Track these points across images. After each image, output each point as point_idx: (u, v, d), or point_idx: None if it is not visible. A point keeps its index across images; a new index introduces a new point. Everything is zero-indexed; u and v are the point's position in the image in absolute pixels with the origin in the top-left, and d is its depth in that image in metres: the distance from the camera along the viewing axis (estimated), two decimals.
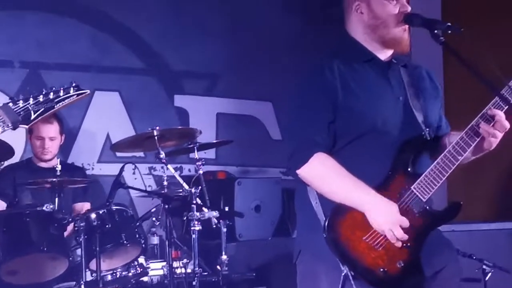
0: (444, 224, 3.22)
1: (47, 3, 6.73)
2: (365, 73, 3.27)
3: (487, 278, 4.63)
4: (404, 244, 3.11)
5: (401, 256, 3.11)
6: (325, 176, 3.16)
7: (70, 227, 5.24)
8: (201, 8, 7.32)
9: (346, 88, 3.20)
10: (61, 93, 2.82)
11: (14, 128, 2.73)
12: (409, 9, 3.24)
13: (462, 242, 4.91)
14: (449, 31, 3.11)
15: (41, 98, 2.77)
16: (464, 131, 3.17)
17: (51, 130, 5.95)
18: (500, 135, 3.16)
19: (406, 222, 3.08)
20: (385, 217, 3.08)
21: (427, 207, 3.16)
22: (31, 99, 2.77)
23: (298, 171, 3.18)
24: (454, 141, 3.17)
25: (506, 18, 6.68)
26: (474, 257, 4.69)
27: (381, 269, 3.09)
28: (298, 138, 3.21)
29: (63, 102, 2.82)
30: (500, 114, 3.14)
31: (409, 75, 3.34)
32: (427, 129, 3.26)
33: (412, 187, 3.14)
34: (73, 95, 2.84)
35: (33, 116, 2.76)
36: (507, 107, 3.14)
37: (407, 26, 3.26)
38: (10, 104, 2.74)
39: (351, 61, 3.28)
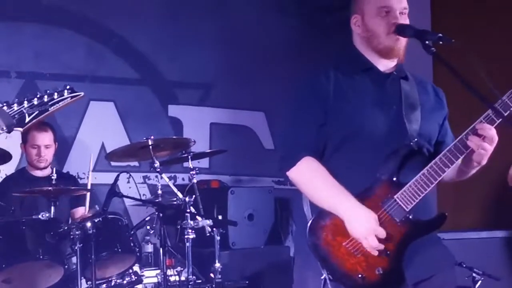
0: (428, 233, 3.23)
1: (44, 15, 6.75)
2: (361, 81, 3.32)
3: (477, 286, 4.64)
4: (384, 252, 3.13)
5: (380, 264, 3.14)
6: (310, 180, 3.23)
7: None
8: (195, 19, 7.35)
9: (338, 92, 3.25)
10: (56, 96, 2.81)
11: (9, 131, 2.73)
12: (400, 20, 3.28)
13: (452, 250, 4.93)
14: (440, 42, 3.14)
15: (35, 101, 2.77)
16: (453, 143, 3.19)
17: (46, 138, 5.98)
18: (489, 148, 3.17)
19: (382, 232, 3.10)
20: (361, 226, 3.11)
21: (410, 217, 3.16)
22: (26, 102, 2.76)
23: (287, 173, 3.27)
24: (442, 153, 3.19)
25: (496, 28, 6.74)
26: (464, 265, 4.70)
27: (360, 275, 3.12)
28: (289, 140, 3.30)
29: (58, 105, 2.81)
30: (490, 128, 3.15)
31: (409, 87, 3.37)
32: (416, 140, 3.26)
33: (395, 196, 3.16)
34: (67, 97, 2.83)
35: (27, 119, 2.76)
36: (499, 120, 3.15)
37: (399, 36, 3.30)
38: (5, 108, 2.74)
39: (350, 70, 3.34)
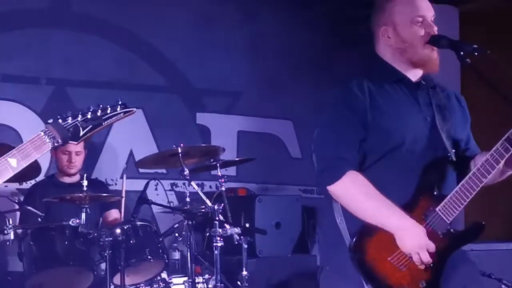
0: (466, 244, 3.25)
1: (74, 22, 6.80)
2: (394, 92, 3.31)
3: None
4: (428, 265, 3.15)
5: (424, 276, 3.15)
6: (356, 194, 3.19)
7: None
8: (224, 28, 7.38)
9: (375, 106, 3.23)
10: (109, 111, 2.84)
11: (63, 144, 2.76)
12: (435, 29, 3.28)
13: (481, 261, 4.90)
14: (475, 53, 3.15)
15: (89, 115, 2.79)
16: (489, 153, 3.19)
17: (77, 145, 5.99)
18: None
19: (432, 247, 3.12)
20: (413, 241, 3.11)
21: (451, 229, 3.18)
22: (80, 116, 2.79)
23: (329, 187, 3.21)
24: (480, 163, 3.19)
25: None
26: (493, 277, 4.68)
27: None
28: (329, 155, 3.23)
29: (111, 120, 2.84)
30: None
31: (437, 97, 3.37)
32: (453, 150, 3.28)
33: (437, 209, 3.17)
34: (120, 112, 2.86)
35: (81, 133, 2.79)
36: None
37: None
38: (60, 121, 2.76)
39: (381, 81, 3.31)
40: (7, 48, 6.49)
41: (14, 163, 2.57)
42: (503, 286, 4.69)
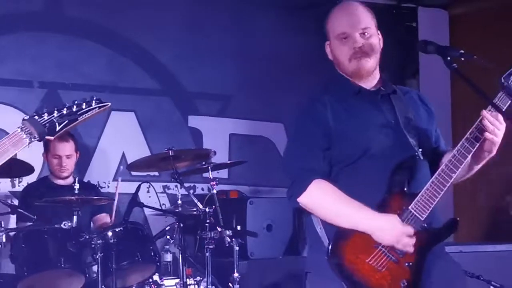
0: (442, 241, 3.28)
1: (67, 26, 6.79)
2: (355, 103, 3.35)
3: None
4: (406, 263, 3.16)
5: (404, 276, 3.16)
6: (325, 201, 3.21)
7: None
8: (215, 32, 7.37)
9: (337, 118, 3.28)
10: (84, 106, 2.87)
11: (40, 140, 2.78)
12: (360, 44, 3.32)
13: (469, 263, 4.93)
14: (462, 58, 3.19)
15: (64, 111, 2.83)
16: (455, 149, 3.23)
17: (66, 148, 6.01)
18: (500, 134, 3.22)
19: (410, 230, 3.14)
20: (391, 234, 3.14)
21: (426, 226, 3.20)
22: (56, 112, 2.82)
23: (298, 199, 3.22)
24: (447, 159, 3.23)
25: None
26: (482, 278, 4.69)
27: None
28: (295, 167, 3.27)
29: (86, 115, 2.87)
30: (497, 114, 3.20)
31: (399, 100, 3.42)
32: (420, 150, 3.32)
33: (410, 208, 3.18)
34: (95, 107, 2.89)
35: (58, 128, 2.82)
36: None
37: (359, 58, 3.33)
38: (36, 117, 2.79)
39: (341, 94, 3.37)
40: (1, 51, 6.49)
41: None
42: (491, 287, 4.69)
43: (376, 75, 3.44)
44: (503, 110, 3.20)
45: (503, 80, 3.26)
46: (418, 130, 3.38)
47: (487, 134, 3.20)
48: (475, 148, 3.22)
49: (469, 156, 3.23)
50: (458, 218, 3.27)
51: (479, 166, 3.39)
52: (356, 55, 3.32)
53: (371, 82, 3.42)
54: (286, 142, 3.48)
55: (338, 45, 3.37)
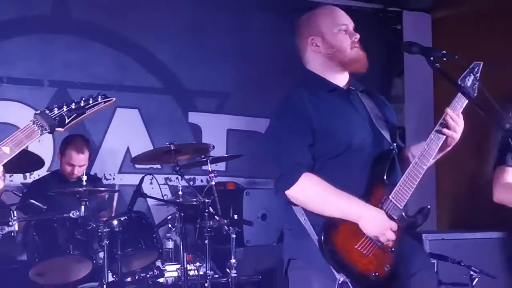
0: (417, 227, 3.31)
1: (75, 28, 6.77)
2: (331, 100, 3.36)
3: (474, 283, 4.63)
4: (390, 249, 3.20)
5: (388, 261, 3.20)
6: (314, 193, 3.21)
7: None
8: (214, 34, 7.36)
9: (318, 114, 3.27)
10: (91, 101, 2.91)
11: (51, 132, 2.81)
12: (357, 36, 3.39)
13: (451, 250, 4.94)
14: (444, 58, 3.21)
15: (73, 106, 2.86)
16: (426, 142, 3.28)
17: (81, 159, 6.03)
18: (460, 130, 3.29)
19: (394, 225, 3.18)
20: (377, 225, 3.16)
21: (403, 214, 3.23)
22: (65, 106, 2.86)
23: (287, 192, 3.20)
24: (421, 149, 3.27)
25: (493, 45, 6.75)
26: (463, 264, 4.69)
27: (373, 274, 3.17)
28: (283, 161, 3.24)
29: (93, 109, 2.90)
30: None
31: (368, 99, 3.45)
32: (395, 144, 3.37)
33: (390, 197, 3.21)
34: (101, 102, 2.92)
35: (67, 121, 2.84)
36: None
37: (360, 47, 3.39)
38: (47, 111, 2.82)
39: (317, 91, 3.36)
40: (13, 53, 6.48)
41: (7, 150, 2.65)
42: (471, 272, 4.68)
43: (347, 74, 3.46)
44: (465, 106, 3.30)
45: (459, 82, 3.32)
46: (388, 126, 3.42)
47: (446, 131, 3.27)
48: (441, 141, 3.28)
49: (437, 149, 3.29)
50: (429, 207, 3.30)
51: (439, 156, 3.42)
52: (356, 45, 3.37)
53: (344, 80, 3.44)
54: (269, 135, 3.39)
55: (339, 36, 3.38)
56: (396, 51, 7.81)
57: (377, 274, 3.15)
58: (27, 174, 6.35)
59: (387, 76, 7.83)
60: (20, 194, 5.58)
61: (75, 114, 2.83)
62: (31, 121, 2.77)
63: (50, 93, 6.61)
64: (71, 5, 6.79)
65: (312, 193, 3.20)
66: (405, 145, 3.59)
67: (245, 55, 7.55)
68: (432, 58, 3.21)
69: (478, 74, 3.38)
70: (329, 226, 3.17)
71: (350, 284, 3.09)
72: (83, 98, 2.90)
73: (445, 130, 3.27)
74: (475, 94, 3.35)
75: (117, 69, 6.95)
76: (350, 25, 3.43)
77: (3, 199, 5.33)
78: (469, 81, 3.34)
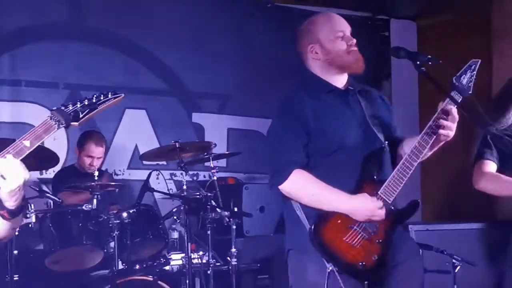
0: (406, 220, 3.34)
1: (87, 35, 6.82)
2: (329, 101, 3.36)
3: (456, 270, 4.66)
4: (377, 241, 3.21)
5: (375, 251, 3.21)
6: (305, 188, 3.23)
7: None
8: (216, 38, 7.39)
9: (314, 115, 3.28)
10: (102, 97, 2.93)
11: (67, 126, 2.84)
12: (354, 41, 3.38)
13: (435, 240, 4.96)
14: (429, 63, 3.23)
15: (86, 102, 2.88)
16: (417, 141, 3.26)
17: (100, 152, 6.09)
18: (454, 125, 3.26)
19: (380, 203, 3.18)
20: (363, 210, 3.18)
21: (392, 208, 3.24)
22: (78, 103, 2.88)
23: (280, 187, 3.25)
24: (411, 147, 3.25)
25: (472, 48, 6.81)
26: (445, 252, 4.71)
27: (360, 263, 3.18)
28: (278, 158, 3.28)
29: (104, 104, 2.91)
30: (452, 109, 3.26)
31: (365, 98, 3.43)
32: (386, 142, 3.36)
33: (379, 192, 3.21)
34: (111, 98, 2.94)
35: (81, 115, 2.87)
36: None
37: (357, 50, 3.38)
38: (62, 108, 2.86)
39: (316, 92, 3.37)
40: (30, 57, 6.52)
41: (27, 143, 2.68)
42: (453, 260, 4.71)
43: (346, 75, 3.46)
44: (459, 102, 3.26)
45: (454, 81, 3.31)
46: (382, 124, 3.40)
47: (441, 131, 3.25)
48: (432, 140, 3.27)
49: (428, 147, 3.28)
50: (419, 200, 3.31)
51: (430, 153, 3.42)
52: (352, 48, 3.36)
53: (343, 81, 3.44)
54: (269, 134, 3.42)
55: (336, 42, 3.38)
56: (384, 56, 7.86)
57: (364, 263, 3.17)
58: (43, 171, 6.39)
59: (375, 79, 7.85)
60: (37, 189, 5.60)
61: (88, 110, 2.87)
62: (48, 116, 2.82)
63: (65, 95, 6.64)
64: (85, 13, 6.85)
65: (302, 188, 3.23)
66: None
67: (245, 60, 7.59)
68: (418, 62, 3.23)
69: (475, 72, 3.36)
70: (320, 218, 3.20)
71: (336, 273, 3.13)
72: (95, 95, 2.94)
73: (440, 131, 3.25)
74: (470, 92, 3.33)
75: (126, 72, 7.00)
76: (347, 30, 3.42)
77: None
78: (464, 79, 3.32)
